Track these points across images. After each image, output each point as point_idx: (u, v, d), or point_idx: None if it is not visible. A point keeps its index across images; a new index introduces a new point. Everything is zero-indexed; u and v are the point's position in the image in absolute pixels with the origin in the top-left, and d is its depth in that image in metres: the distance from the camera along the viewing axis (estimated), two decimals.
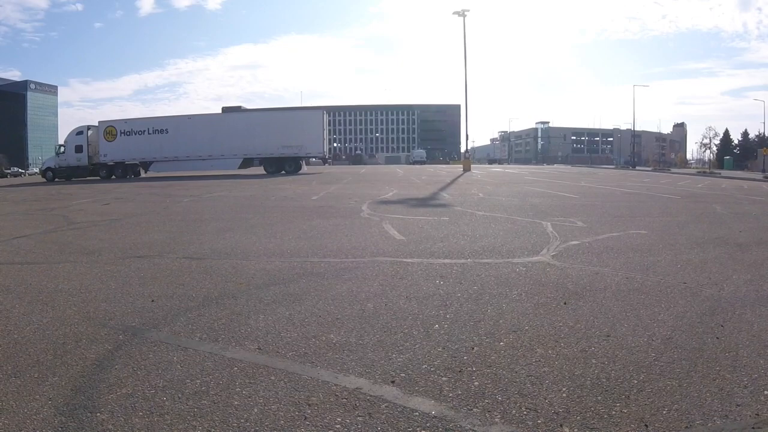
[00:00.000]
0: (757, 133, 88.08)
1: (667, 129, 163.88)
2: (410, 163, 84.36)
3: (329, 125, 41.46)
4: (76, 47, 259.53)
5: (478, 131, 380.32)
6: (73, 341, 3.28)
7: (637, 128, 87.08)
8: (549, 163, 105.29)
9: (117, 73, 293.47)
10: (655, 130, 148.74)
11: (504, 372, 2.77)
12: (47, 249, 6.85)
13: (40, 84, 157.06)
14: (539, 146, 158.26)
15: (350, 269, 5.26)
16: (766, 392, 2.51)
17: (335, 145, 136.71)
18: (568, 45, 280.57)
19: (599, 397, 2.47)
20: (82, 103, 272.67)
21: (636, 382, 2.63)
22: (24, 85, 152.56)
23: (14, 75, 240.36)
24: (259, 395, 2.52)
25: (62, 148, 34.72)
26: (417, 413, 2.34)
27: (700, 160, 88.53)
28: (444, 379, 2.69)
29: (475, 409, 2.37)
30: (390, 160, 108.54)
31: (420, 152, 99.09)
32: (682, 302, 4.03)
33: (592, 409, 2.37)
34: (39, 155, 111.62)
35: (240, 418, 2.30)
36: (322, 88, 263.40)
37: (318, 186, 19.64)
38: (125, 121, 35.82)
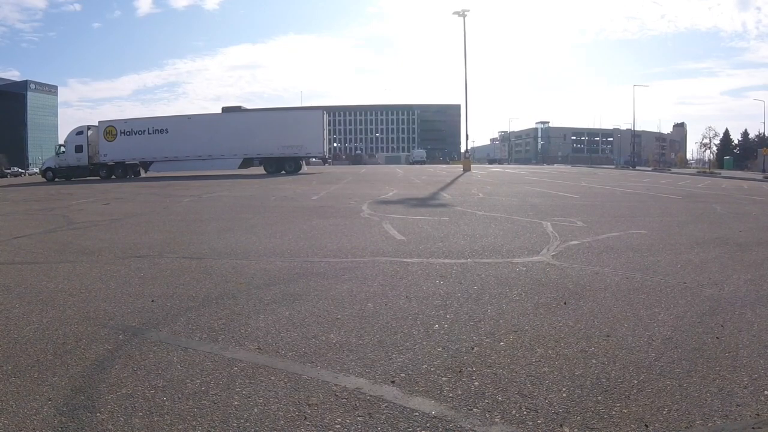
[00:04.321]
0: (757, 133, 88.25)
1: (667, 129, 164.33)
2: (410, 163, 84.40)
3: (329, 125, 41.46)
4: (75, 47, 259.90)
5: (478, 131, 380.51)
6: (73, 341, 3.28)
7: (637, 128, 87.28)
8: (549, 163, 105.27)
9: (116, 73, 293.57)
10: (655, 130, 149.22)
11: (504, 372, 2.77)
12: (47, 249, 6.85)
13: (40, 84, 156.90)
14: (539, 146, 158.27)
15: (350, 269, 5.26)
16: (766, 392, 2.51)
17: (335, 145, 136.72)
18: (568, 45, 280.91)
19: (599, 397, 2.47)
20: (81, 103, 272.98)
21: (636, 382, 2.63)
22: (24, 85, 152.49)
23: (13, 75, 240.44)
24: (259, 395, 2.52)
25: (62, 148, 34.70)
26: (417, 413, 2.34)
27: (700, 160, 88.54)
28: (444, 379, 2.69)
29: (475, 409, 2.37)
30: (390, 160, 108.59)
31: (420, 152, 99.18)
32: (682, 302, 4.03)
33: (592, 409, 2.37)
34: (39, 155, 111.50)
35: (240, 418, 2.30)
36: (322, 88, 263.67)
37: (318, 186, 19.64)
38: (125, 121, 35.80)
